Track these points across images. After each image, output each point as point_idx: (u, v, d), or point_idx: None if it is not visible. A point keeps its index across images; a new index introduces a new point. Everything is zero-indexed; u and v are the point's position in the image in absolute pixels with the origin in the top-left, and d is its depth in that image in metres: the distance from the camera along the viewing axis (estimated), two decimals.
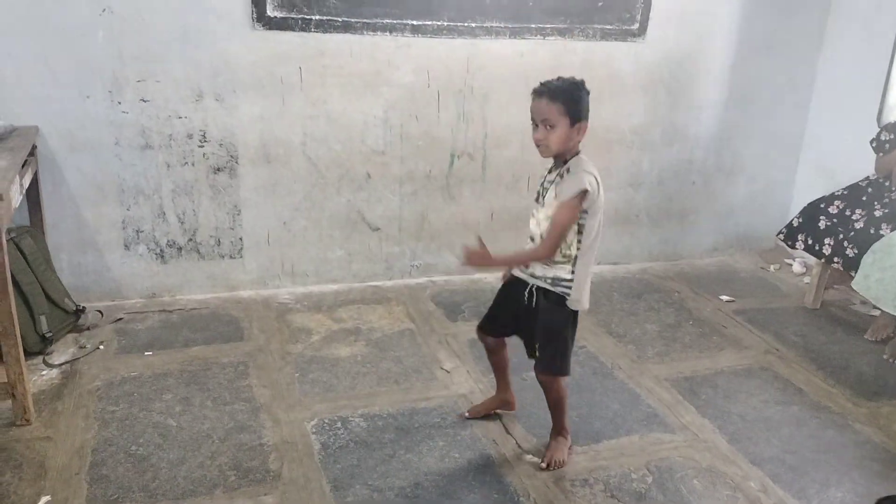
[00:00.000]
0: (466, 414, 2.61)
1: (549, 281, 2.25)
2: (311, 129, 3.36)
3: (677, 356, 3.17)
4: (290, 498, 2.19)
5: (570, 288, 2.23)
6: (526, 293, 2.29)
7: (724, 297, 3.77)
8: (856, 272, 3.26)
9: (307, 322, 3.26)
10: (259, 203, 3.39)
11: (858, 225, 3.35)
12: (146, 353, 2.93)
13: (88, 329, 3.07)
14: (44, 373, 2.76)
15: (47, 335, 2.86)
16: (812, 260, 3.82)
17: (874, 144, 3.54)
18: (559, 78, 2.20)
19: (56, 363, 2.82)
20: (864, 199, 3.46)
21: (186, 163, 3.23)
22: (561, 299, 2.25)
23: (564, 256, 2.21)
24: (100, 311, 3.18)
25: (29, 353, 2.71)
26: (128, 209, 3.22)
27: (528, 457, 2.43)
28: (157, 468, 2.28)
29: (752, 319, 3.54)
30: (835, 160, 4.11)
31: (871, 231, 3.27)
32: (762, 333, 3.41)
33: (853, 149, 3.84)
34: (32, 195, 2.99)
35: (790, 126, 4.27)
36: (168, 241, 3.32)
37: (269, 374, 2.83)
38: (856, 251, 3.27)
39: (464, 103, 3.53)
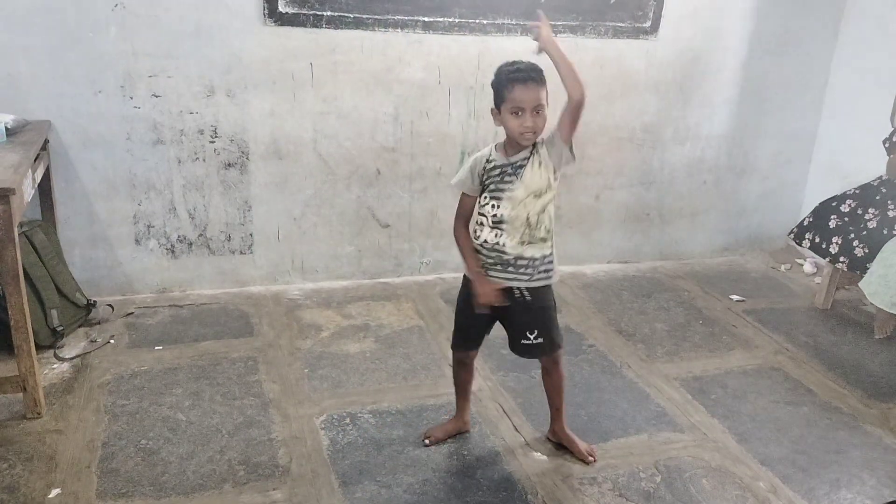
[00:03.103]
0: (426, 441, 2.45)
1: (536, 267, 2.20)
2: (321, 125, 3.36)
3: (687, 355, 3.15)
4: (298, 493, 2.19)
5: (552, 266, 2.24)
6: (516, 295, 2.22)
7: (735, 297, 3.75)
8: (861, 272, 3.24)
9: (317, 318, 3.26)
10: (269, 199, 3.40)
11: (871, 224, 3.33)
12: (156, 348, 2.94)
13: (99, 323, 3.09)
14: (55, 366, 2.78)
15: (58, 329, 2.87)
16: (822, 259, 3.80)
17: (887, 145, 3.51)
18: (518, 61, 2.13)
19: (67, 357, 2.83)
20: (877, 198, 3.44)
21: (197, 158, 3.24)
22: (547, 282, 2.25)
23: (548, 232, 2.20)
24: (111, 306, 3.20)
25: (40, 347, 2.73)
26: (139, 204, 3.23)
27: (537, 454, 2.43)
28: (166, 462, 2.29)
29: (762, 319, 3.52)
30: (847, 160, 4.08)
31: (885, 231, 3.25)
32: (772, 333, 3.39)
33: (866, 148, 3.81)
34: (44, 189, 3.01)
35: (803, 125, 4.24)
36: (179, 236, 3.33)
37: (279, 370, 2.84)
38: (866, 251, 3.26)
39: (474, 100, 3.52)
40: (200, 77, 3.14)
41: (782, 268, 4.21)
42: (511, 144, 2.18)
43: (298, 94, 3.28)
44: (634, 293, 3.75)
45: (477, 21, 3.39)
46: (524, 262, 2.19)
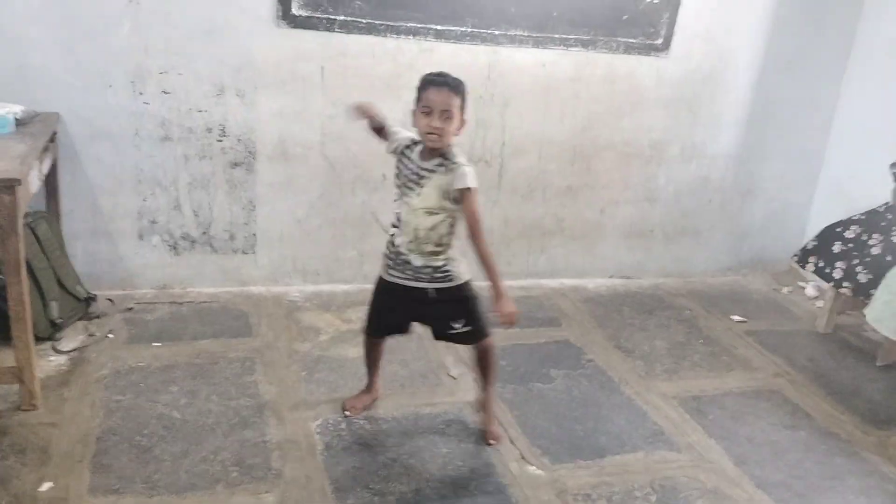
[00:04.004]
0: (347, 413, 2.58)
1: (436, 275, 2.33)
2: (329, 128, 3.36)
3: (686, 374, 3.14)
4: (290, 497, 2.18)
5: (449, 272, 2.34)
6: (427, 295, 2.36)
7: (736, 318, 3.74)
8: (865, 298, 3.23)
9: (316, 321, 3.25)
10: (274, 200, 3.40)
11: (875, 251, 3.32)
12: (154, 344, 2.93)
13: (98, 317, 3.08)
14: (52, 359, 2.77)
15: (57, 321, 2.87)
16: (826, 284, 3.79)
17: (894, 170, 3.50)
18: (444, 72, 2.29)
19: (65, 350, 2.83)
20: (882, 224, 3.43)
21: (204, 156, 3.24)
22: (449, 284, 2.35)
23: (438, 246, 2.30)
24: (110, 300, 3.20)
25: (38, 339, 2.71)
26: (144, 200, 3.23)
27: (532, 468, 2.42)
28: (159, 460, 2.28)
29: (762, 341, 3.51)
30: (854, 184, 4.07)
31: (888, 258, 3.24)
32: (772, 356, 3.38)
33: (873, 173, 3.80)
34: (51, 181, 3.00)
35: (810, 147, 4.23)
36: (182, 233, 3.33)
37: (276, 372, 2.83)
38: (870, 276, 3.25)
39: (483, 110, 3.52)
40: (211, 76, 3.14)
41: (784, 290, 4.20)
42: (425, 148, 2.29)
43: (308, 96, 3.28)
44: (635, 309, 3.74)
45: (489, 31, 3.39)
46: (419, 266, 2.33)
